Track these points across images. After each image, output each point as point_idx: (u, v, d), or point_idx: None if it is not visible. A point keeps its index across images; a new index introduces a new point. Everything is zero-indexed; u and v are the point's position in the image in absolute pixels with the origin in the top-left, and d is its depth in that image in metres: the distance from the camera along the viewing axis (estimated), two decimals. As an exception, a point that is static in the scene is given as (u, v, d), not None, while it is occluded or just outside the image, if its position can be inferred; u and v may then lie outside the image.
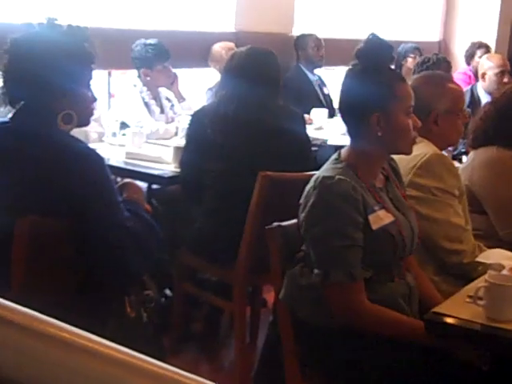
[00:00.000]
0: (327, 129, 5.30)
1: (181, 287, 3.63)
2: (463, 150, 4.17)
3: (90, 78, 2.51)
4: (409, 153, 2.45)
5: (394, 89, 2.35)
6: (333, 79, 6.61)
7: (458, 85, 3.11)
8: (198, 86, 5.81)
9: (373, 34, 2.57)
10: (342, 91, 2.46)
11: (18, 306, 0.56)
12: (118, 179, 3.29)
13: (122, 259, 2.36)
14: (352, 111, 2.41)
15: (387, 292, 2.36)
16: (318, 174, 2.37)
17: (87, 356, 0.57)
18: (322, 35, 6.42)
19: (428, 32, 8.81)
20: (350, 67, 2.45)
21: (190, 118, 3.67)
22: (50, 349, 0.56)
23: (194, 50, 5.68)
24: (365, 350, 2.31)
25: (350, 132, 2.44)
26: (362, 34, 7.48)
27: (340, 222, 2.27)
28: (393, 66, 6.92)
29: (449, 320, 2.11)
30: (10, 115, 2.48)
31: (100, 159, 2.38)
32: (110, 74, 5.47)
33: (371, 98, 2.35)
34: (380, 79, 2.37)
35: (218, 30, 6.09)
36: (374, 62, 2.43)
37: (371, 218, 2.30)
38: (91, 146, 2.56)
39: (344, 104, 2.44)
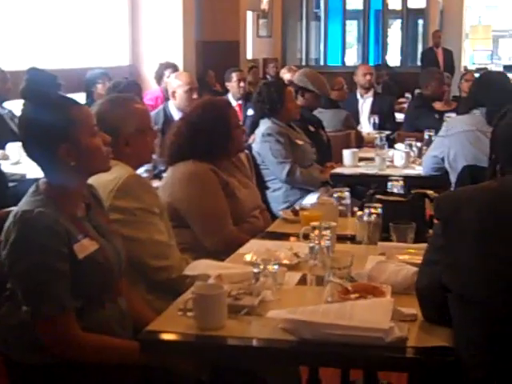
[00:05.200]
0: (25, 162, 5.14)
1: None
2: (163, 168, 4.24)
3: None
4: (107, 169, 2.46)
5: (70, 115, 2.32)
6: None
7: (142, 104, 3.17)
8: None
9: (32, 69, 2.54)
10: (21, 128, 2.40)
11: None
12: None
13: None
14: (37, 147, 2.34)
15: (100, 319, 2.33)
16: (16, 208, 2.29)
17: None
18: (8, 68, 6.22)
19: (117, 57, 8.88)
20: (23, 105, 2.39)
21: None
22: None
23: None
24: (86, 381, 2.27)
25: (42, 166, 2.37)
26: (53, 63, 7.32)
27: (44, 255, 2.21)
28: (83, 93, 6.97)
29: (163, 336, 2.13)
30: None
31: None
32: None
33: (52, 131, 2.29)
34: (54, 110, 2.33)
35: None
36: (41, 95, 2.39)
37: (76, 247, 2.27)
38: None
39: (27, 141, 2.36)
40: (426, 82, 7.00)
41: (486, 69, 12.35)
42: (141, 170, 3.61)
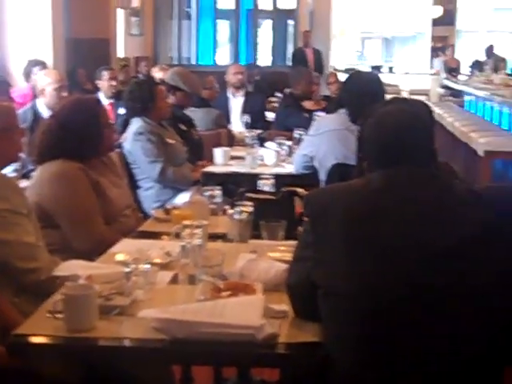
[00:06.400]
0: None
1: None
2: (32, 168, 4.14)
3: None
4: None
5: None
6: None
7: (8, 101, 3.09)
8: None
9: None
10: None
11: None
12: None
13: None
14: None
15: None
16: None
17: None
18: None
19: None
20: None
21: None
22: None
23: None
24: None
25: None
26: None
27: None
28: None
29: (31, 339, 2.08)
30: None
31: None
32: None
33: None
34: None
35: None
36: None
37: None
38: None
39: None
40: (295, 81, 7.12)
41: (353, 69, 12.65)
42: (9, 170, 3.52)
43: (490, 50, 15.27)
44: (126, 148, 4.93)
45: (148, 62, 12.63)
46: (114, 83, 7.69)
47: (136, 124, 4.95)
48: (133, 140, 4.90)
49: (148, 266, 2.38)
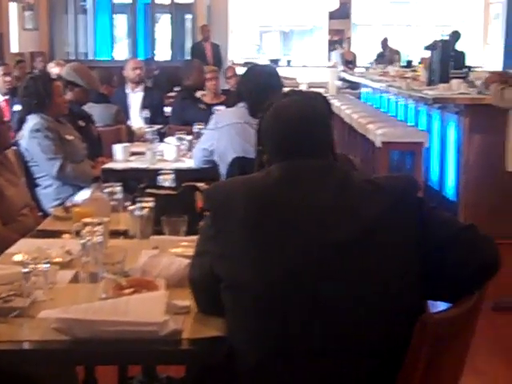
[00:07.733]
0: None
1: None
2: None
3: None
4: None
5: None
6: None
7: None
8: None
9: None
10: None
11: None
12: None
13: None
14: None
15: None
16: None
17: None
18: None
19: None
20: None
21: None
22: None
23: None
24: None
25: None
26: None
27: None
28: None
29: None
30: None
31: None
32: None
33: None
34: None
35: None
36: None
37: None
38: None
39: None
40: (187, 74, 7.16)
41: (252, 63, 12.73)
42: None
43: (384, 43, 15.61)
44: (23, 146, 4.82)
45: (44, 58, 12.39)
46: (8, 79, 7.51)
47: (32, 121, 4.85)
48: (29, 137, 4.80)
49: (47, 265, 2.33)
